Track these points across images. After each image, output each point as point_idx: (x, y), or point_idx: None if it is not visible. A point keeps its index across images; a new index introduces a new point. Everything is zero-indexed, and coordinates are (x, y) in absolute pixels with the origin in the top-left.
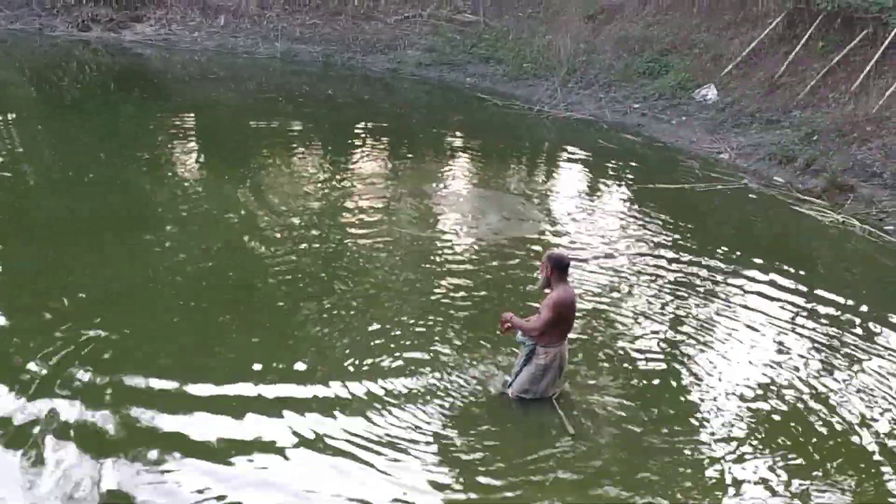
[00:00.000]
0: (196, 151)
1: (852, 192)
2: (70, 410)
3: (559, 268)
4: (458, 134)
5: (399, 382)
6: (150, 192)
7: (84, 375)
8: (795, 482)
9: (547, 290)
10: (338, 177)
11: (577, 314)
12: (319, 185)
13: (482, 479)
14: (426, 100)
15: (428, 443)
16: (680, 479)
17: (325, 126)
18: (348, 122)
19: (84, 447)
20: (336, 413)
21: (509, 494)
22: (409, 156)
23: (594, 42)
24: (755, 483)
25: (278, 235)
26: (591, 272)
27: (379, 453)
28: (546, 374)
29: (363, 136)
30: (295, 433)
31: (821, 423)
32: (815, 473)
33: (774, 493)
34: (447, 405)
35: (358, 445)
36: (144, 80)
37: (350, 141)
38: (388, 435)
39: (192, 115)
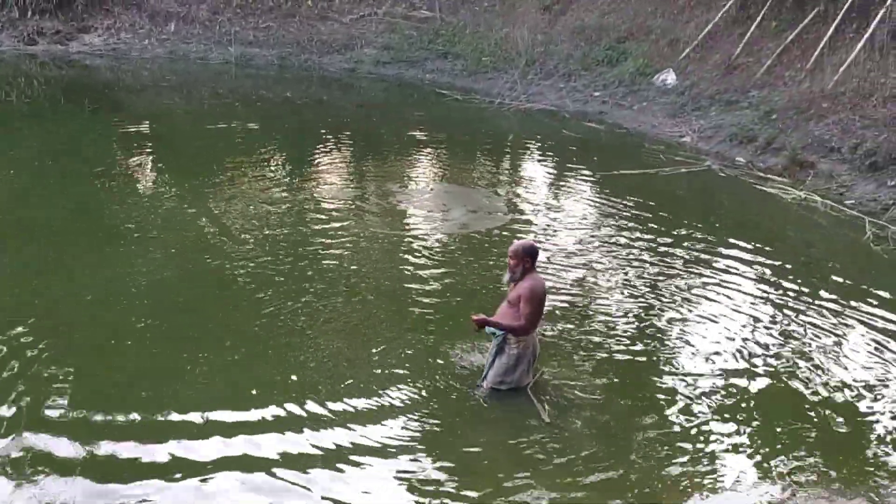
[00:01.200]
0: (152, 160)
1: (812, 169)
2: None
3: (533, 257)
4: (419, 130)
5: (372, 390)
6: (105, 205)
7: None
8: (783, 466)
9: (512, 285)
10: (301, 179)
11: (550, 303)
12: (283, 188)
13: (460, 477)
14: (384, 97)
15: (400, 445)
16: (660, 466)
17: (285, 128)
18: (308, 124)
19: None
20: (311, 424)
21: (488, 490)
22: (371, 154)
23: (551, 33)
24: (740, 470)
25: (247, 241)
26: (563, 260)
27: (357, 463)
28: (519, 364)
29: (324, 137)
30: (278, 448)
31: (803, 401)
32: (801, 454)
33: (764, 478)
34: (422, 403)
35: (327, 457)
36: (94, 90)
37: (311, 142)
38: (362, 442)
39: (147, 123)
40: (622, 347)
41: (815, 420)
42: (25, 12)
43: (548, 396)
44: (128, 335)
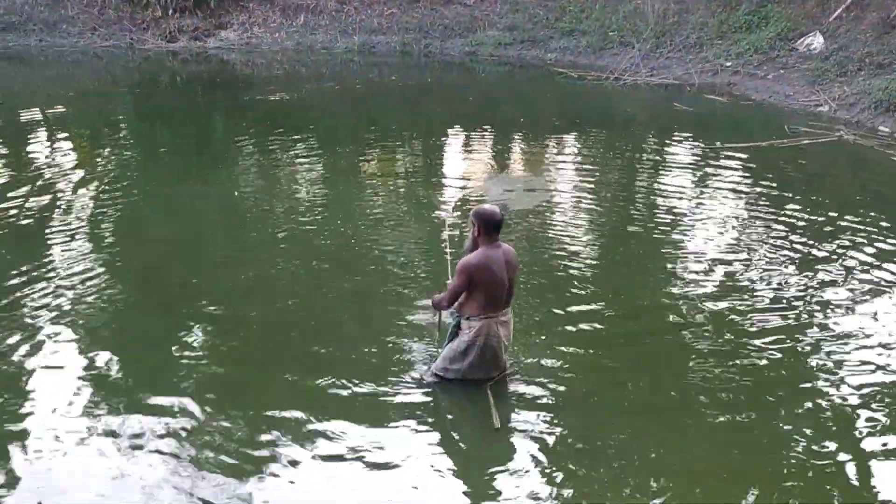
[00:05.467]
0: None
1: None
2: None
3: (487, 225)
4: (511, 111)
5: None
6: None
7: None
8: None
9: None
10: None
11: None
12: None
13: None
14: (490, 80)
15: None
16: (617, 484)
17: (406, 121)
18: (423, 115)
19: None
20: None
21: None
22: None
23: (686, 1)
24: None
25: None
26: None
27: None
28: (469, 353)
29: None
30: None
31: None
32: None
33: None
34: (375, 399)
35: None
36: (232, 85)
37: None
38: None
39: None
40: (628, 341)
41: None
42: (167, 10)
43: (513, 399)
44: None
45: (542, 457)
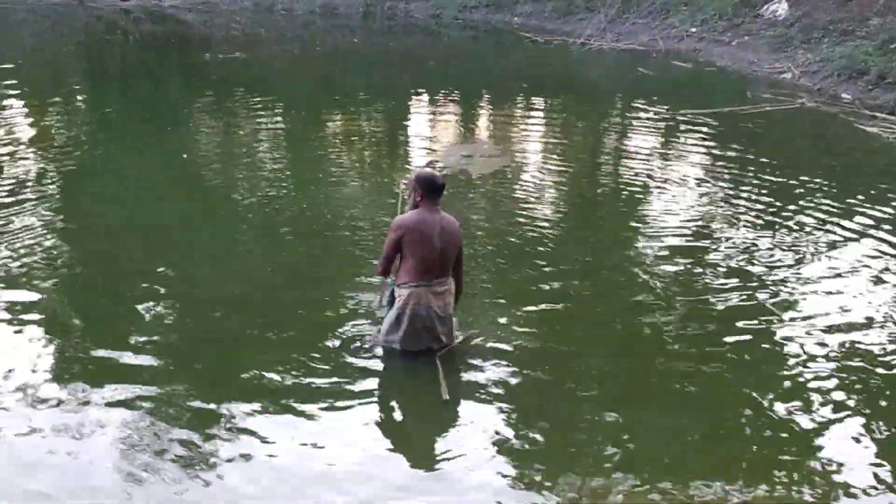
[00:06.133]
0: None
1: None
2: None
3: (426, 189)
4: (475, 76)
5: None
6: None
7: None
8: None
9: None
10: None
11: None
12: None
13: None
14: (456, 45)
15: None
16: (565, 464)
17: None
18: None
19: None
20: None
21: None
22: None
23: None
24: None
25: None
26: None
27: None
28: (400, 323)
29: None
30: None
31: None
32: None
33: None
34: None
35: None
36: (187, 45)
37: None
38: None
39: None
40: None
41: None
42: None
43: (463, 371)
44: None
45: (489, 429)
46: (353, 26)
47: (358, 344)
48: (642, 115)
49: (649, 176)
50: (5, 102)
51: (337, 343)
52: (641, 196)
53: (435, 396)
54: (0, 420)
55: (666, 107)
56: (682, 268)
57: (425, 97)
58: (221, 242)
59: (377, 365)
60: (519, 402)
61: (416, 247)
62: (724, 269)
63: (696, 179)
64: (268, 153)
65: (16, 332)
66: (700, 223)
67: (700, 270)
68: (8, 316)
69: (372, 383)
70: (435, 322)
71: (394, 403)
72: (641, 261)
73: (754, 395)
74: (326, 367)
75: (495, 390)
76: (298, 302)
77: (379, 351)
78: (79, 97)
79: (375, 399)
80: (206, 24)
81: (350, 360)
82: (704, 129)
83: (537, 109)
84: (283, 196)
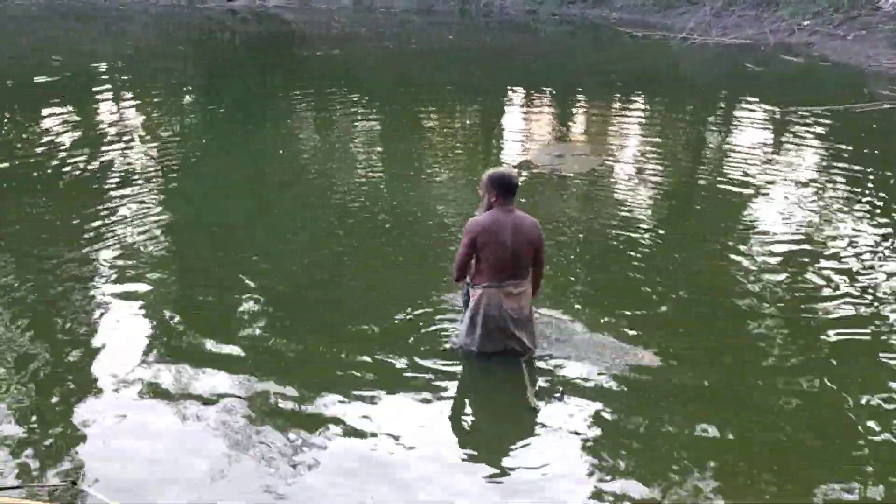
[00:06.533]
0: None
1: None
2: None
3: (499, 189)
4: (572, 72)
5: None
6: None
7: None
8: None
9: None
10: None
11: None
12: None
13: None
14: (548, 40)
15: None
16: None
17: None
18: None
19: None
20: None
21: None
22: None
23: None
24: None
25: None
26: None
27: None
28: (475, 325)
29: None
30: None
31: None
32: None
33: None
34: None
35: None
36: (292, 44)
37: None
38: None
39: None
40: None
41: None
42: None
43: (549, 378)
44: None
45: (574, 439)
46: (449, 23)
47: (443, 347)
48: (748, 111)
49: (754, 176)
50: (121, 96)
51: (421, 344)
52: (745, 197)
53: (515, 401)
54: (95, 413)
55: (774, 103)
56: (786, 275)
57: (520, 93)
58: (307, 237)
59: (458, 368)
60: (607, 413)
61: (489, 248)
62: (833, 279)
63: (806, 180)
64: (360, 149)
65: (102, 326)
66: (808, 228)
67: (807, 278)
68: (95, 310)
69: (454, 387)
70: (508, 323)
71: (476, 408)
72: (743, 267)
73: (859, 412)
74: (408, 368)
75: (583, 399)
76: (384, 300)
77: (461, 354)
78: (186, 93)
79: (457, 403)
80: (307, 24)
81: (432, 362)
82: (817, 128)
83: (635, 106)
84: (372, 193)
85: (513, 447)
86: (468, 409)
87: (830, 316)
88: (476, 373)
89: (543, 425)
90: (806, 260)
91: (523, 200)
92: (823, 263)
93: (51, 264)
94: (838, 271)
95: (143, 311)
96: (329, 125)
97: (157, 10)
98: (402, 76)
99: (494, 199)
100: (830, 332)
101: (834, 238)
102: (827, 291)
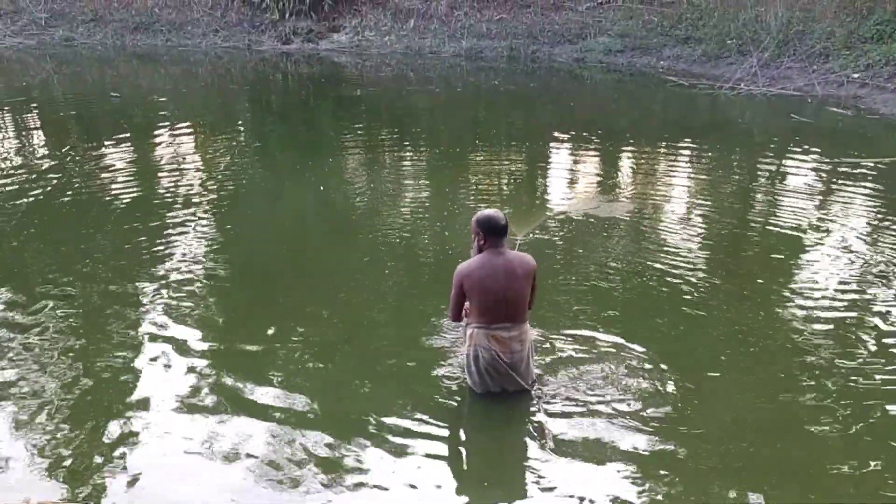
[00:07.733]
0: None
1: None
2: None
3: (487, 231)
4: (617, 119)
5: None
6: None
7: None
8: None
9: None
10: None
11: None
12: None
13: None
14: (601, 88)
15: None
16: None
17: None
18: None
19: None
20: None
21: None
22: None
23: (812, 9)
24: None
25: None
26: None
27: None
28: (472, 366)
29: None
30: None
31: None
32: None
33: None
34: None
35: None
36: (342, 85)
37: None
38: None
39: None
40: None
41: None
42: (284, 14)
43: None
44: None
45: (594, 483)
46: (496, 69)
47: (454, 385)
48: (796, 162)
49: (804, 229)
50: (180, 132)
51: (441, 383)
52: (794, 250)
53: (539, 443)
54: (149, 430)
55: (823, 155)
56: (834, 337)
57: (564, 138)
58: (345, 273)
59: (467, 407)
60: (638, 470)
61: (475, 293)
62: (884, 341)
63: (858, 235)
64: (403, 189)
65: (163, 348)
66: (859, 286)
67: (855, 340)
68: (153, 329)
69: (462, 426)
70: (498, 365)
71: (492, 449)
72: (790, 326)
73: None
74: (425, 409)
75: (612, 448)
76: (418, 338)
77: (472, 392)
78: (241, 130)
79: (465, 444)
80: (357, 66)
81: (446, 401)
82: (867, 182)
83: (681, 154)
84: (409, 231)
85: (532, 489)
86: (480, 451)
87: (880, 379)
88: (488, 411)
89: (562, 471)
90: (855, 321)
91: (566, 245)
92: (873, 325)
93: (97, 291)
94: (889, 334)
95: (182, 350)
96: (375, 163)
97: (217, 52)
98: (448, 118)
99: (483, 241)
100: (881, 399)
101: (886, 299)
102: (877, 357)
